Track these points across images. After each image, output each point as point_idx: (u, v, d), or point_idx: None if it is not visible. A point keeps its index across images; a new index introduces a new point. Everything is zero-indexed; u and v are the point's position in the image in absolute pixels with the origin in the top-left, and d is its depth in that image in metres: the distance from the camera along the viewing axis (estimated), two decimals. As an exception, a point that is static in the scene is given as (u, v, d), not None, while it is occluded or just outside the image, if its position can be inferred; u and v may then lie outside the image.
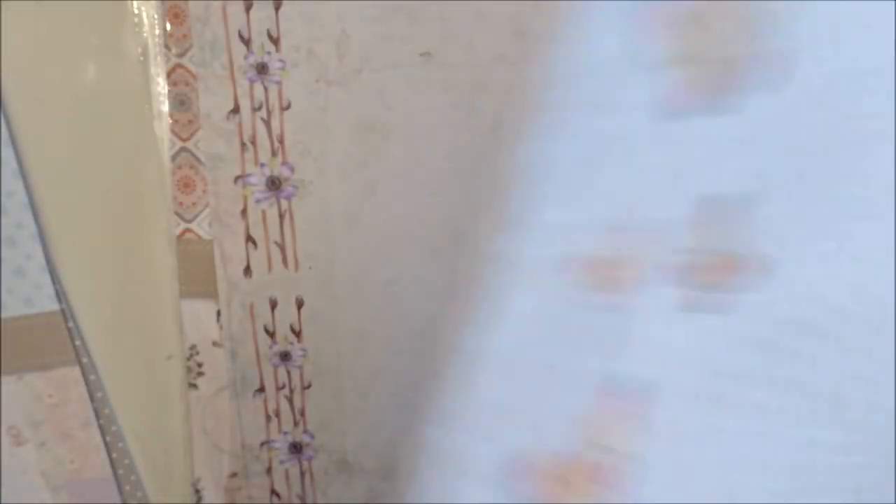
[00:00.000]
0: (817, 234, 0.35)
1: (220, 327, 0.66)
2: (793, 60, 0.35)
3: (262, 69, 0.59)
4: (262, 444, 0.71)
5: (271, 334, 0.67)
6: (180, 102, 0.59)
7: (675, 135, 0.37)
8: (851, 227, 0.34)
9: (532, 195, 0.41)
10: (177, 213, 0.62)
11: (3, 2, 0.51)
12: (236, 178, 0.62)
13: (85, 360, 0.56)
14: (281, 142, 0.61)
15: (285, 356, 0.68)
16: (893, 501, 0.49)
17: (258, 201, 0.63)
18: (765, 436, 0.40)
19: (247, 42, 0.58)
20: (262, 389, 0.69)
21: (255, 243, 0.64)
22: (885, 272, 0.35)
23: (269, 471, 0.73)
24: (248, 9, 0.58)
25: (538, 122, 0.42)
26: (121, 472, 0.57)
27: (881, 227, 0.35)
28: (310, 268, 0.66)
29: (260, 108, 0.60)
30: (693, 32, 0.37)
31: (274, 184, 0.62)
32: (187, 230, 0.63)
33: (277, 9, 0.58)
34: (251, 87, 0.60)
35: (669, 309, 0.36)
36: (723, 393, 0.37)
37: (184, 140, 0.60)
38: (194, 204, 0.63)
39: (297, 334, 0.68)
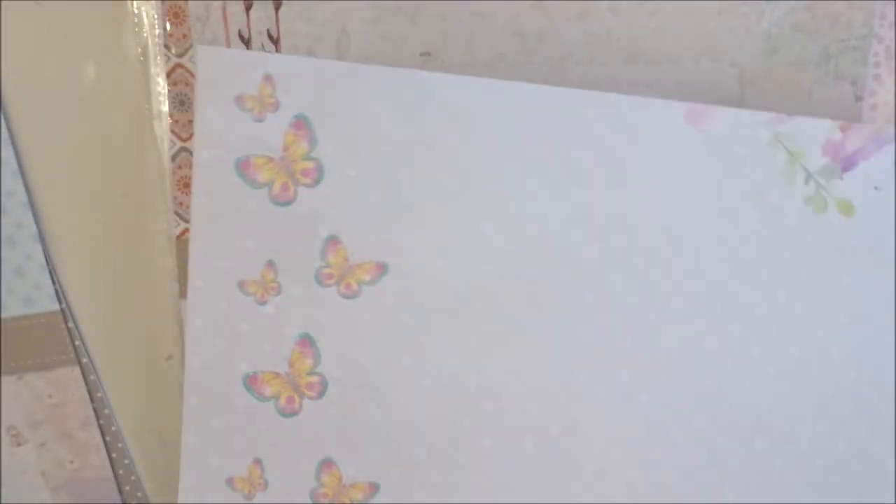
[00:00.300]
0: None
1: (220, 327, 0.65)
2: None
3: (262, 69, 0.59)
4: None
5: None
6: (180, 102, 0.59)
7: None
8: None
9: None
10: (177, 213, 0.62)
11: (3, 2, 0.51)
12: (236, 178, 0.62)
13: (85, 360, 0.56)
14: (281, 142, 0.61)
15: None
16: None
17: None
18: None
19: (247, 42, 0.58)
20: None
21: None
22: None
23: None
24: (248, 9, 0.58)
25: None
26: (121, 472, 0.57)
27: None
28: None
29: (260, 108, 0.60)
30: None
31: (274, 184, 0.62)
32: (187, 230, 0.63)
33: (277, 9, 0.58)
34: (251, 87, 0.60)
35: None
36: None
37: (184, 140, 0.60)
38: (194, 204, 0.63)
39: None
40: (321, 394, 0.49)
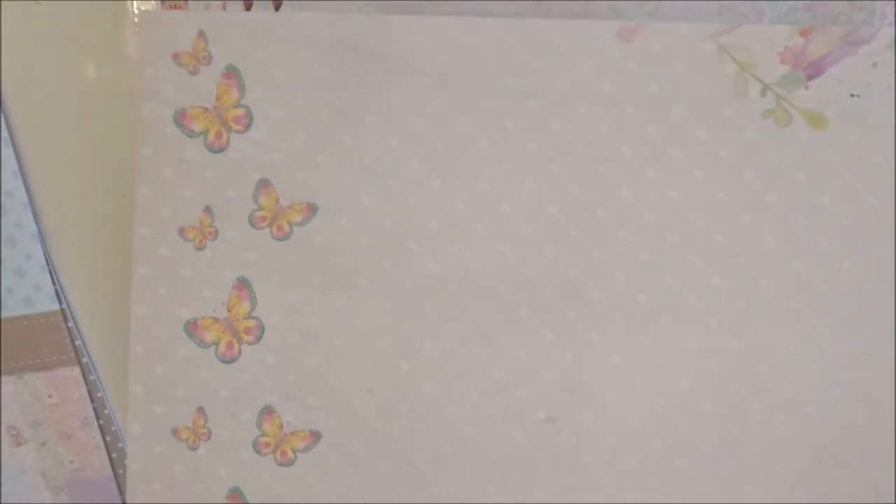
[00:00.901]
0: None
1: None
2: None
3: (262, 69, 0.59)
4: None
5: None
6: (180, 102, 0.59)
7: None
8: None
9: None
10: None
11: (3, 2, 0.51)
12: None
13: (85, 360, 0.56)
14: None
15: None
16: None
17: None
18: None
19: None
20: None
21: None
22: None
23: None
24: (248, 9, 0.58)
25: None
26: (121, 472, 0.57)
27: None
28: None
29: (260, 108, 0.60)
30: None
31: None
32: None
33: (277, 9, 0.58)
34: (251, 87, 0.60)
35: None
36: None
37: (184, 140, 0.60)
38: (194, 204, 0.62)
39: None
40: (258, 338, 0.49)
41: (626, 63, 0.44)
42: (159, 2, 0.56)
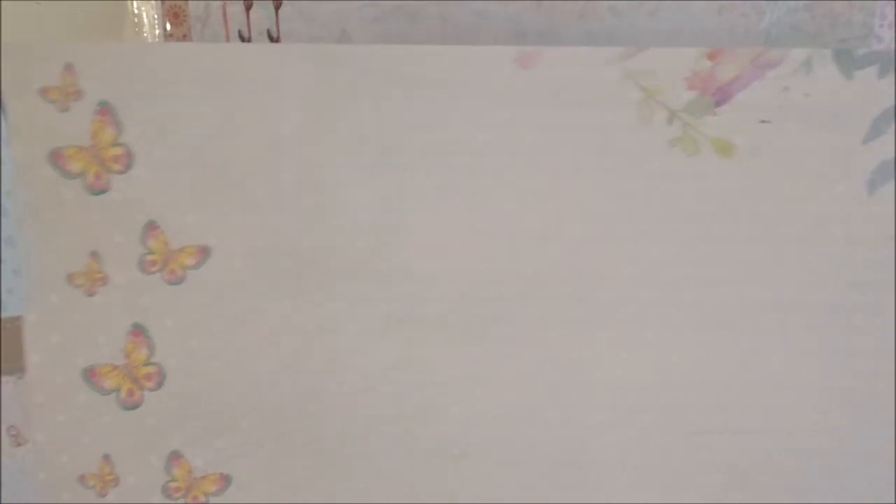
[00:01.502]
0: None
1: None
2: None
3: (262, 69, 0.59)
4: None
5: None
6: (180, 102, 0.59)
7: None
8: None
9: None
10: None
11: (3, 1, 0.51)
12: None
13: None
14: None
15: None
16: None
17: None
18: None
19: (247, 42, 0.58)
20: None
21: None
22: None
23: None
24: (248, 9, 0.58)
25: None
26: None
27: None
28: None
29: (260, 108, 0.60)
30: None
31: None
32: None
33: (277, 9, 0.58)
34: (251, 87, 0.60)
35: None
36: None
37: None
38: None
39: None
40: (160, 384, 0.48)
41: (525, 90, 0.42)
42: (160, 2, 0.57)
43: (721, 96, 0.41)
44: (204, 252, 0.47)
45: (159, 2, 0.57)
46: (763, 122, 0.41)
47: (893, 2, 0.52)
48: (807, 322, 0.45)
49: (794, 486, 0.49)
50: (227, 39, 0.58)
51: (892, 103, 0.41)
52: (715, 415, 0.47)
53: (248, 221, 0.46)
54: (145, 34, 0.57)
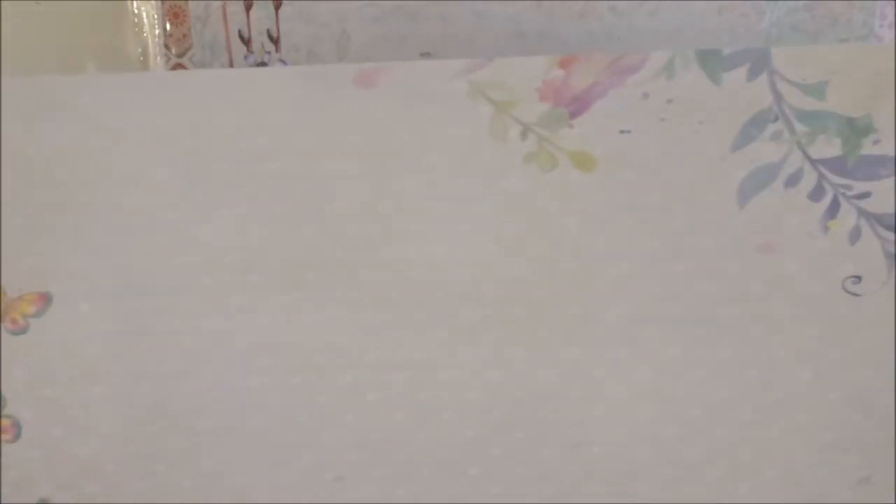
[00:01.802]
0: None
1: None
2: None
3: (261, 69, 0.59)
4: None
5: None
6: (180, 102, 0.59)
7: None
8: None
9: None
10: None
11: (3, 1, 0.51)
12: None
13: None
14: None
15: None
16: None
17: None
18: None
19: (247, 42, 0.58)
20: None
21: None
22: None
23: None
24: (248, 9, 0.58)
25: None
26: (121, 472, 0.57)
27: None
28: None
29: (260, 108, 0.60)
30: None
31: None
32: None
33: (277, 9, 0.58)
34: (251, 87, 0.60)
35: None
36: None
37: (183, 140, 0.60)
38: (194, 204, 0.62)
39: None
40: (17, 436, 0.47)
41: (370, 111, 0.40)
42: (159, 2, 0.57)
43: (576, 107, 0.38)
44: (45, 299, 0.44)
45: (159, 2, 0.57)
46: (623, 132, 0.39)
47: (893, 2, 0.52)
48: (672, 335, 0.43)
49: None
50: (227, 39, 0.58)
51: (764, 106, 0.38)
52: None
53: (91, 265, 0.43)
54: (145, 34, 0.57)
